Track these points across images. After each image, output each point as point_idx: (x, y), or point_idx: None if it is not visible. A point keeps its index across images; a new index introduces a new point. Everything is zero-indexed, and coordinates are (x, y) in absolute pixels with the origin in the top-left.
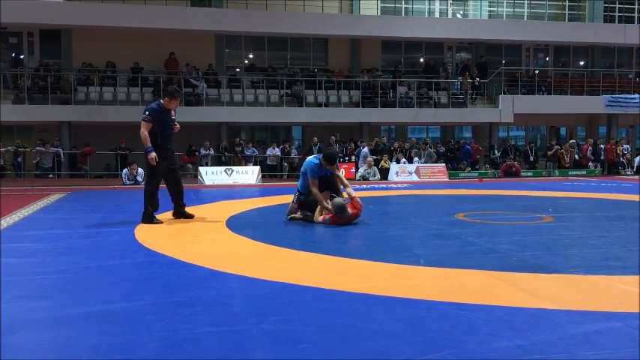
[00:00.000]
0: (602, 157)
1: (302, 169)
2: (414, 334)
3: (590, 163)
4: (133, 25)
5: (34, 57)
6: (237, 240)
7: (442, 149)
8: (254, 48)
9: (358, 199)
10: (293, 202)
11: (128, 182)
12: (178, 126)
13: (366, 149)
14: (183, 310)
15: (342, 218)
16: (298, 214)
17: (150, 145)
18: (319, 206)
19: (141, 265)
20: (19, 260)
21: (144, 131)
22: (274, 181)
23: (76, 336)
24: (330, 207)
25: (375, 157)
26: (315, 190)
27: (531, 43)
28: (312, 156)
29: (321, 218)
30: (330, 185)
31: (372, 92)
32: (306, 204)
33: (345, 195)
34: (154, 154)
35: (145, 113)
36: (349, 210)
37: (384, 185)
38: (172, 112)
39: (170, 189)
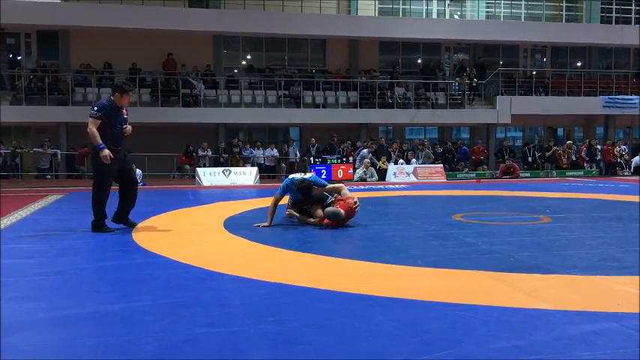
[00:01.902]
0: (598, 158)
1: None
2: (412, 335)
3: (585, 164)
4: (131, 26)
5: (32, 58)
6: (235, 241)
7: (440, 150)
8: (252, 49)
9: (349, 200)
10: (288, 204)
11: None
12: (130, 127)
13: (365, 150)
14: (181, 310)
15: (338, 222)
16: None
17: (101, 142)
18: (314, 213)
19: (139, 266)
20: (17, 261)
21: (92, 128)
22: (272, 182)
23: (74, 337)
24: (313, 220)
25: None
26: (271, 204)
27: (529, 43)
28: (298, 175)
29: (317, 222)
30: (318, 198)
31: (370, 93)
32: (298, 205)
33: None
34: (107, 152)
35: (93, 109)
36: (342, 213)
37: (381, 186)
38: (124, 110)
39: (122, 192)
